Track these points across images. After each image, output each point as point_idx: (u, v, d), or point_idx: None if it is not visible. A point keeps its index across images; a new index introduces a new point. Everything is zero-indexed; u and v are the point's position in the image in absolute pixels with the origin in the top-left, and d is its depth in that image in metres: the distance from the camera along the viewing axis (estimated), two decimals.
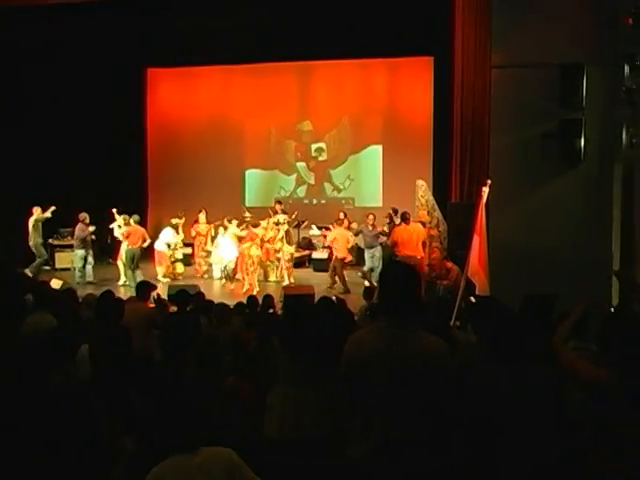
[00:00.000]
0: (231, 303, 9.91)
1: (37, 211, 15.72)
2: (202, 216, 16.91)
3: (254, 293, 12.74)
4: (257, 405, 4.97)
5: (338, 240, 14.94)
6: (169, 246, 16.10)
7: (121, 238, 15.25)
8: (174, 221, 16.72)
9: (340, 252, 14.85)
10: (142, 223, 16.42)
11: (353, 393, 3.60)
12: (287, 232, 16.35)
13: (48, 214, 15.74)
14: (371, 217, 15.82)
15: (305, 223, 18.48)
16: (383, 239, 15.48)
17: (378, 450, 3.46)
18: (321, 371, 4.63)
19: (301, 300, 10.16)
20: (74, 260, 15.60)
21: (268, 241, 15.76)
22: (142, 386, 4.79)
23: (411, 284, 3.66)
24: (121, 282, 15.11)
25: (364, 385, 3.56)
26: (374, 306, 9.26)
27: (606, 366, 3.58)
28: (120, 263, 15.27)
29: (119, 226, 15.53)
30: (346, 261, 15.16)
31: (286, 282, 15.21)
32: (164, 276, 15.69)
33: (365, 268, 15.20)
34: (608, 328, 3.77)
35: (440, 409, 3.53)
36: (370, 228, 15.41)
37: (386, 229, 15.91)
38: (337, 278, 14.81)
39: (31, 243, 15.59)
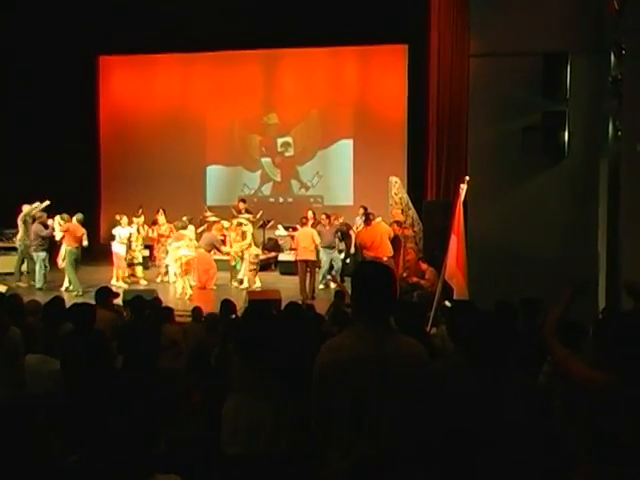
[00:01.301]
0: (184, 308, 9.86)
1: (26, 208, 15.45)
2: (161, 217, 16.72)
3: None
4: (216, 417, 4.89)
5: (300, 241, 14.81)
6: (129, 246, 15.82)
7: (58, 237, 14.89)
8: (135, 220, 16.47)
9: (302, 254, 14.69)
10: (94, 222, 16.26)
11: (329, 404, 3.54)
12: (244, 233, 16.32)
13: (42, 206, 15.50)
14: (310, 213, 15.93)
15: (271, 223, 18.40)
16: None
17: (360, 468, 3.43)
18: (277, 379, 4.56)
19: (260, 304, 10.14)
20: (36, 263, 15.09)
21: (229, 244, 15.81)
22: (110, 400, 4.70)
23: (385, 284, 3.63)
24: (64, 287, 14.76)
25: (343, 394, 3.51)
26: (339, 307, 9.24)
27: (603, 368, 3.60)
28: (65, 267, 14.96)
29: (58, 224, 14.94)
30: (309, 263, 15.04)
31: (246, 285, 15.16)
32: (119, 280, 15.45)
33: (322, 270, 15.16)
34: (603, 330, 3.74)
35: (424, 419, 3.52)
36: (328, 227, 15.31)
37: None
38: (302, 283, 14.68)
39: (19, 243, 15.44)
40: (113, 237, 16.15)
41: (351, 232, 16.17)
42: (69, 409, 4.37)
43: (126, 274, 15.78)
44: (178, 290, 14.61)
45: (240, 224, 16.02)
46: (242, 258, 15.69)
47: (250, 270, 15.52)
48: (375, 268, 3.79)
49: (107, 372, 4.71)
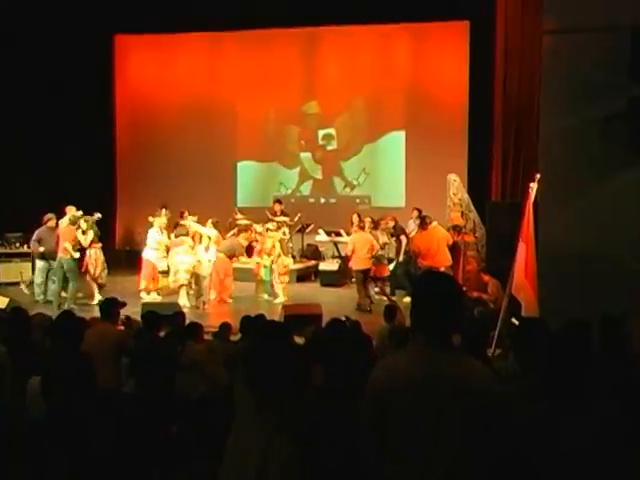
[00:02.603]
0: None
1: (71, 210, 15.42)
2: (190, 219, 16.59)
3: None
4: None
5: (358, 248, 14.84)
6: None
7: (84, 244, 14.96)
8: (154, 221, 16.35)
9: (358, 263, 14.78)
10: (110, 225, 16.38)
11: (381, 433, 3.58)
12: (281, 240, 16.35)
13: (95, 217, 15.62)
14: (355, 217, 15.90)
15: (310, 227, 18.44)
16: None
17: None
18: (280, 408, 4.43)
19: (294, 320, 10.15)
20: (35, 273, 15.39)
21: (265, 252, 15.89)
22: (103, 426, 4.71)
23: (452, 299, 3.65)
24: (95, 301, 14.65)
25: (398, 421, 3.55)
26: (397, 329, 9.19)
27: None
28: (90, 277, 15.17)
29: (83, 232, 14.98)
30: (369, 273, 15.08)
31: (282, 299, 15.19)
32: (149, 293, 15.56)
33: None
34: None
35: (487, 452, 3.52)
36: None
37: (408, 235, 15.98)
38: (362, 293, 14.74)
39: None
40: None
41: (402, 237, 16.10)
42: (50, 439, 4.39)
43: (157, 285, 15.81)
44: (185, 302, 14.77)
45: (268, 230, 16.04)
46: (271, 269, 15.72)
47: (278, 283, 15.54)
48: (440, 280, 3.80)
49: (85, 396, 4.73)
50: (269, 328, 4.77)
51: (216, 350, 8.61)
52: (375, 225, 15.99)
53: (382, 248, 15.88)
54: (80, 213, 15.26)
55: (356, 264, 14.85)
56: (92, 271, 15.21)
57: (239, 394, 4.47)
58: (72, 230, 14.84)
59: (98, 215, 15.64)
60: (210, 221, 15.57)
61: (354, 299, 15.05)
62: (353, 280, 17.41)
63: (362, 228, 15.30)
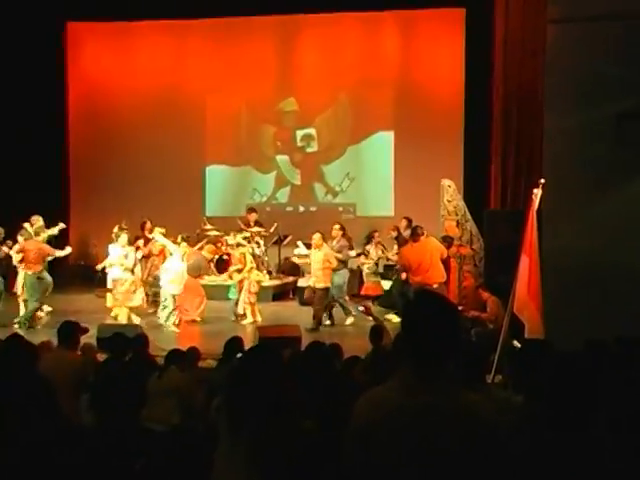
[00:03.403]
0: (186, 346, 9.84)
1: (38, 221, 15.47)
2: (158, 230, 16.44)
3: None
4: None
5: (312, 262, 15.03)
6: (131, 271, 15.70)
7: (14, 259, 14.93)
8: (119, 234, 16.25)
9: (318, 280, 14.85)
10: (62, 236, 16.24)
11: (366, 473, 3.54)
12: (254, 254, 16.29)
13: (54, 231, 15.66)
14: (337, 227, 15.85)
15: (288, 239, 18.36)
16: (352, 254, 15.69)
17: None
18: (268, 451, 4.39)
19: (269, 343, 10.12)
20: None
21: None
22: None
23: (448, 322, 3.59)
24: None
25: (383, 460, 3.50)
26: (381, 353, 9.15)
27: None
28: (22, 296, 14.96)
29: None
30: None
31: (251, 320, 15.17)
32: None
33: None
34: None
35: None
36: (334, 243, 15.30)
37: (393, 250, 15.94)
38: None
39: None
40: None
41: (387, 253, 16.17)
42: None
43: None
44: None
45: (238, 244, 16.03)
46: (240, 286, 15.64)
47: (248, 302, 15.45)
48: (433, 300, 3.74)
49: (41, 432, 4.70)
50: (256, 350, 4.79)
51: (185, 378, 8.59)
52: (368, 238, 16.00)
53: (376, 264, 15.90)
54: (41, 223, 15.42)
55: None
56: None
57: (220, 425, 4.47)
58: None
59: (62, 225, 15.71)
60: (180, 236, 15.44)
61: (341, 319, 15.11)
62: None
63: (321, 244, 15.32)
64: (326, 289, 14.74)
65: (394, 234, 16.09)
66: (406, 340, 3.65)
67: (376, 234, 16.19)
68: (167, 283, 14.88)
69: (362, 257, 16.12)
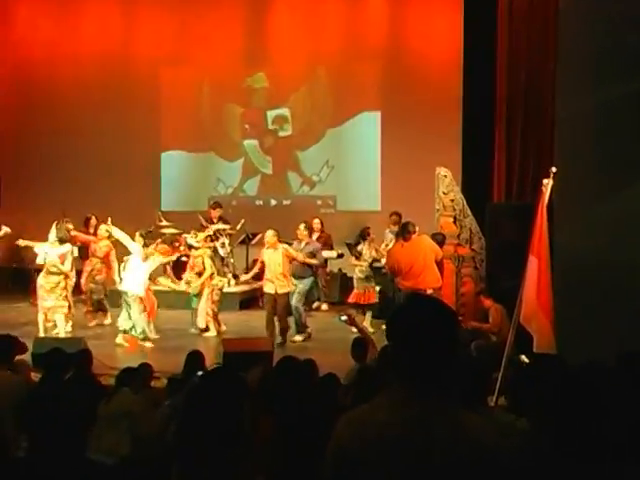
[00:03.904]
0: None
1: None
2: (103, 227, 16.31)
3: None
4: None
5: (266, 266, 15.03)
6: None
7: None
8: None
9: (281, 285, 14.87)
10: None
11: None
12: (216, 251, 16.34)
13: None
14: (316, 222, 15.84)
15: (258, 237, 18.31)
16: (332, 255, 15.77)
17: None
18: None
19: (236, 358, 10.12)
20: None
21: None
22: None
23: (443, 332, 3.56)
24: None
25: None
26: (369, 370, 9.16)
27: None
28: None
29: None
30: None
31: (211, 333, 15.31)
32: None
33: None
34: None
35: None
36: (303, 244, 15.30)
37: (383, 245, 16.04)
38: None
39: None
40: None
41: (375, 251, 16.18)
42: None
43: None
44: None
45: (199, 244, 15.99)
46: (199, 293, 15.62)
47: (211, 313, 15.45)
48: (427, 307, 3.71)
49: None
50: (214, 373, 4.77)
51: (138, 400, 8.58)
52: (362, 236, 16.00)
53: (371, 266, 15.87)
54: None
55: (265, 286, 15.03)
56: None
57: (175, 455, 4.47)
58: None
59: (6, 230, 15.80)
60: (139, 233, 15.39)
61: (317, 332, 15.25)
62: (315, 306, 17.41)
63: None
64: (289, 293, 14.87)
65: (394, 229, 16.09)
66: (394, 352, 3.64)
67: (371, 231, 16.22)
68: (134, 284, 14.77)
69: (353, 259, 16.14)
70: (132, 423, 7.98)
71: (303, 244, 15.26)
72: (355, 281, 16.08)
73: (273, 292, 14.74)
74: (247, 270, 18.37)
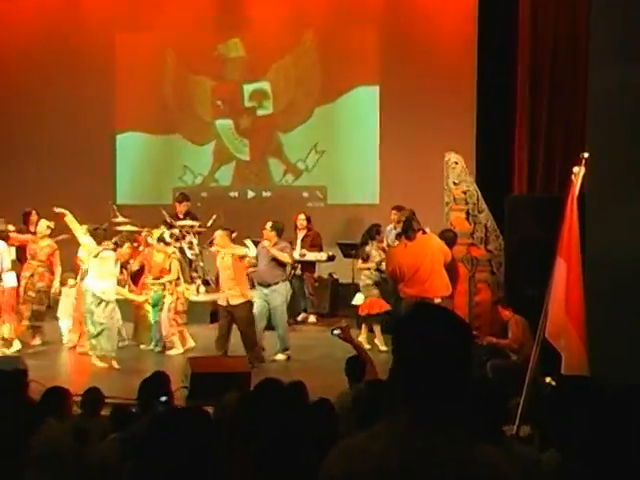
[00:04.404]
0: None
1: None
2: (43, 223, 16.33)
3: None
4: None
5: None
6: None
7: None
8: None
9: (234, 295, 14.85)
10: None
11: None
12: (183, 252, 16.43)
13: None
14: (302, 218, 15.87)
15: (233, 235, 18.35)
16: (320, 257, 15.88)
17: None
18: None
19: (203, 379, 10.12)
20: None
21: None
22: None
23: (454, 346, 3.54)
24: None
25: None
26: (365, 394, 9.16)
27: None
28: None
29: None
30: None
31: (179, 351, 15.37)
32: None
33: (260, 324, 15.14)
34: None
35: None
36: (266, 243, 15.26)
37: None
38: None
39: None
40: None
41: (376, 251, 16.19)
42: None
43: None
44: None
45: (161, 241, 16.00)
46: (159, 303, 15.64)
47: (173, 324, 15.47)
48: (437, 319, 3.69)
49: None
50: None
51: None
52: (370, 235, 15.90)
53: (378, 269, 15.80)
54: None
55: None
56: None
57: None
58: None
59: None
60: (85, 228, 15.40)
61: (304, 349, 15.34)
62: (300, 318, 17.51)
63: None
64: (249, 304, 14.73)
65: (398, 226, 16.01)
66: (397, 371, 3.63)
67: (381, 229, 16.21)
68: (98, 290, 14.81)
69: (360, 262, 16.07)
70: (59, 465, 7.86)
71: (271, 246, 15.06)
72: (362, 289, 15.98)
73: (225, 304, 14.63)
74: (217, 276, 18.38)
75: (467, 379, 3.61)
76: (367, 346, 14.58)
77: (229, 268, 14.64)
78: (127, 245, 15.59)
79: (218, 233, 14.88)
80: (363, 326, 15.75)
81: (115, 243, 15.05)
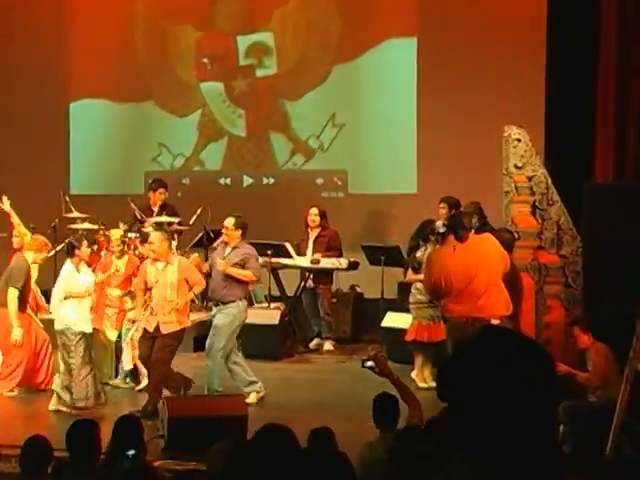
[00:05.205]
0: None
1: None
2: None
3: None
4: None
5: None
6: None
7: None
8: None
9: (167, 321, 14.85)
10: None
11: None
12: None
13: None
14: (313, 213, 16.32)
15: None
16: (338, 265, 15.94)
17: None
18: None
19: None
20: None
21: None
22: None
23: (536, 386, 3.53)
24: None
25: None
26: (411, 441, 9.20)
27: None
28: None
29: None
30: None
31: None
32: None
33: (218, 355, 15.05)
34: None
35: None
36: (228, 249, 15.21)
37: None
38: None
39: None
40: None
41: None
42: None
43: None
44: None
45: (126, 243, 16.05)
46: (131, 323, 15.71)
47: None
48: (508, 347, 3.71)
49: None
50: None
51: None
52: (423, 234, 15.76)
53: None
54: None
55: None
56: None
57: None
58: None
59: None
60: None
61: (319, 384, 15.46)
62: (313, 345, 17.58)
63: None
64: (181, 333, 14.66)
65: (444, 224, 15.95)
66: (453, 415, 3.65)
67: (438, 225, 16.01)
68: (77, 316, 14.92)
69: (410, 272, 15.97)
70: None
71: (229, 249, 15.11)
72: (412, 308, 15.80)
73: (152, 330, 14.36)
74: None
75: (548, 421, 3.63)
76: (422, 384, 14.68)
77: (172, 286, 14.40)
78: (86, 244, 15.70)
79: (155, 237, 14.62)
80: (417, 357, 15.66)
81: (69, 244, 15.06)
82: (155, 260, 14.34)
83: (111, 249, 15.94)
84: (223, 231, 15.25)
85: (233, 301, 14.80)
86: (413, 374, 15.11)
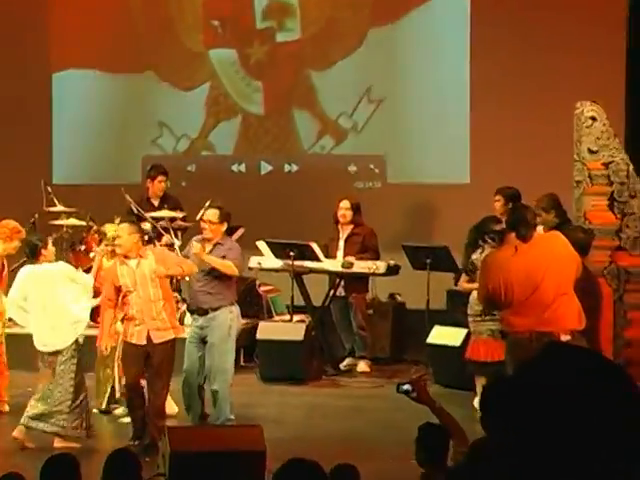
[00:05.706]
0: None
1: None
2: None
3: None
4: None
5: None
6: None
7: None
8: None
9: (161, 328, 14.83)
10: None
11: None
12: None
13: None
14: (345, 207, 16.37)
15: (238, 233, 18.39)
16: (375, 269, 16.09)
17: None
18: None
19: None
20: None
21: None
22: None
23: (615, 413, 3.56)
24: None
25: None
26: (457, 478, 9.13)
27: None
28: None
29: None
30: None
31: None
32: None
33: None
34: None
35: None
36: (210, 246, 15.20)
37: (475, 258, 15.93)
38: None
39: None
40: None
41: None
42: None
43: None
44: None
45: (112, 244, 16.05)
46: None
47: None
48: (585, 369, 3.68)
49: None
50: None
51: None
52: (481, 232, 15.64)
53: None
54: None
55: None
56: None
57: None
58: None
59: None
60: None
61: (351, 411, 15.42)
62: (345, 365, 17.52)
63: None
64: (174, 342, 14.57)
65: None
66: (525, 453, 3.59)
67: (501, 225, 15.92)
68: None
69: (463, 279, 15.85)
70: None
71: (210, 247, 15.01)
72: (471, 321, 15.71)
73: (144, 343, 14.20)
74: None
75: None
76: None
77: (153, 283, 14.26)
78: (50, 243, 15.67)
79: (122, 227, 14.60)
80: (478, 380, 15.47)
81: (32, 245, 14.97)
82: (125, 258, 14.13)
83: (106, 248, 15.92)
84: (204, 226, 15.02)
85: (218, 307, 14.67)
86: (475, 402, 14.92)
